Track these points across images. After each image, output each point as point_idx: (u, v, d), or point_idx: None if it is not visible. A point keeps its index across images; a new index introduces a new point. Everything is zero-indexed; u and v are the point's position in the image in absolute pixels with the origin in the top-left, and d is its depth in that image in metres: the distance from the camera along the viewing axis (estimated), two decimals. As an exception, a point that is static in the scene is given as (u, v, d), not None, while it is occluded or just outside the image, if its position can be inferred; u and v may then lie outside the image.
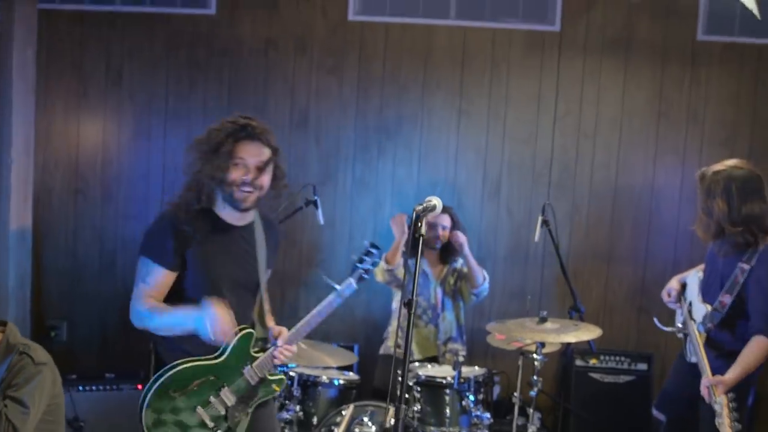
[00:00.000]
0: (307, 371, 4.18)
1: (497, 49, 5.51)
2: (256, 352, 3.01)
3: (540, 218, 4.44)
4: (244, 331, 2.95)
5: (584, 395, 5.12)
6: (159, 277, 2.89)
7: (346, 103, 5.55)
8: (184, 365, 2.87)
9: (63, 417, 3.20)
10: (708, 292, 3.69)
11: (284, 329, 3.06)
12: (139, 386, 4.82)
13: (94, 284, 5.70)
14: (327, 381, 4.21)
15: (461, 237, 4.75)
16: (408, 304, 2.32)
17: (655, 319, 4.09)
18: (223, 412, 2.91)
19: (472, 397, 4.03)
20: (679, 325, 3.88)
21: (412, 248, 2.37)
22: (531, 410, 4.26)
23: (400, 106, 5.54)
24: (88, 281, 5.70)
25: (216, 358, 2.90)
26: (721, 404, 3.19)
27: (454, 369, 4.06)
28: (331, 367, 4.29)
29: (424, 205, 2.46)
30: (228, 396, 2.92)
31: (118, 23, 5.58)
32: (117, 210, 5.67)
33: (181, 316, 2.83)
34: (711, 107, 5.44)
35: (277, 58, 5.57)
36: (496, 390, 5.21)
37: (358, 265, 3.01)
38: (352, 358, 4.51)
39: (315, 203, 4.47)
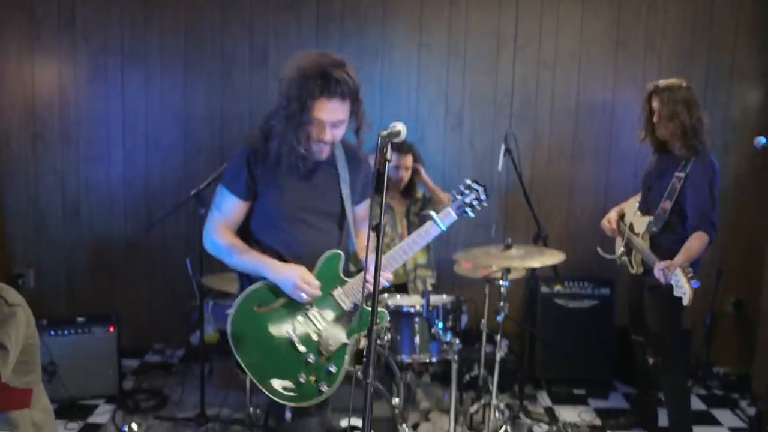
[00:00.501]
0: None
1: (456, -19, 5.50)
2: (348, 277, 2.94)
3: (503, 146, 4.47)
4: (329, 253, 2.89)
5: (550, 321, 5.25)
6: (231, 206, 2.89)
7: (306, 40, 5.49)
8: (269, 282, 2.84)
9: (38, 357, 3.22)
10: (648, 206, 4.15)
11: None
12: (111, 328, 4.83)
13: (58, 229, 5.68)
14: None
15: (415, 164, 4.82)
16: (376, 228, 2.36)
17: (599, 248, 4.56)
18: (315, 337, 2.85)
19: (441, 324, 4.10)
20: (621, 249, 4.31)
21: (378, 177, 2.39)
22: (498, 337, 4.36)
23: (360, 41, 5.51)
24: (53, 227, 5.68)
25: None
26: (678, 273, 3.57)
27: (422, 297, 4.14)
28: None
29: (389, 130, 2.46)
30: (317, 317, 2.86)
31: (69, -37, 5.45)
32: (78, 153, 5.62)
33: (262, 266, 2.82)
34: (668, 36, 5.50)
35: (234, -5, 5.50)
36: (464, 319, 5.32)
37: (458, 197, 3.00)
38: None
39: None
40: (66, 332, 4.72)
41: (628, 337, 5.12)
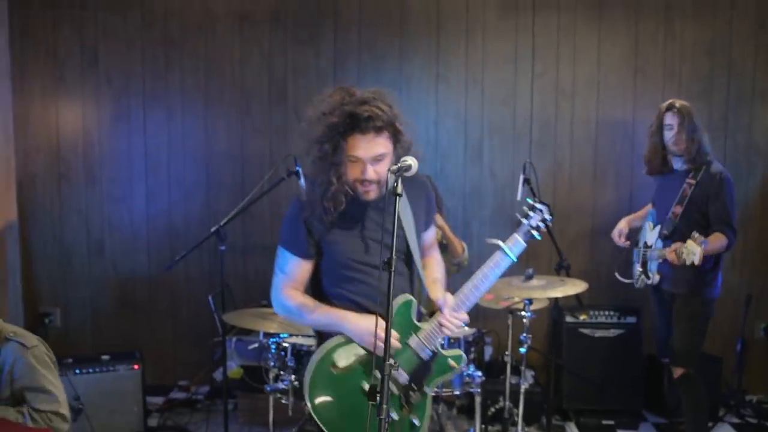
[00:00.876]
0: (300, 340, 4.18)
1: (472, 13, 5.50)
2: (422, 322, 2.77)
3: (521, 177, 4.46)
4: (401, 300, 2.72)
5: (576, 351, 5.17)
6: (295, 267, 2.78)
7: (323, 74, 5.53)
8: (342, 339, 2.71)
9: None
10: (661, 218, 4.32)
11: (449, 295, 2.78)
12: (136, 366, 4.84)
13: (83, 268, 5.72)
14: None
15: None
16: (387, 262, 2.31)
17: (617, 273, 4.64)
18: (395, 391, 2.67)
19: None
20: (639, 269, 4.41)
21: (387, 205, 2.35)
22: (523, 368, 4.31)
23: (378, 74, 5.53)
24: (78, 265, 5.73)
25: None
26: (687, 243, 3.78)
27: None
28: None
29: (399, 165, 2.43)
30: (396, 371, 2.64)
31: (91, 4, 5.55)
32: (102, 193, 5.68)
33: (337, 319, 2.69)
34: (686, 60, 5.46)
35: (252, 33, 5.55)
36: (488, 351, 5.26)
37: (524, 220, 2.79)
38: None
39: (297, 173, 4.47)
40: (91, 370, 4.73)
41: (656, 366, 5.06)
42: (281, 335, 4.06)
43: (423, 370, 2.74)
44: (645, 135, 5.43)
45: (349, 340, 2.70)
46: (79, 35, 5.58)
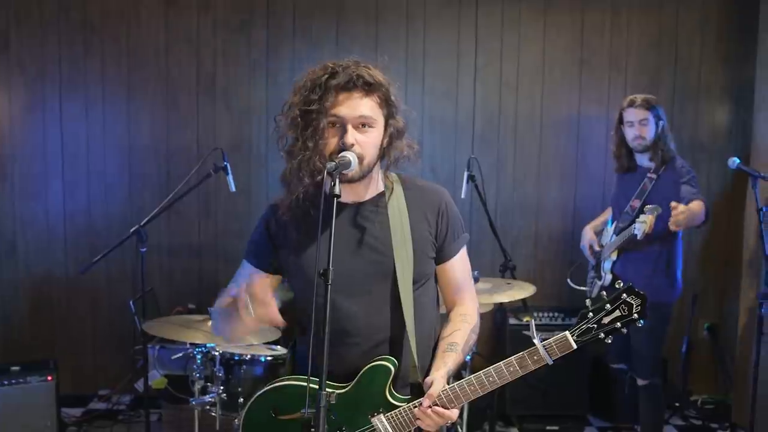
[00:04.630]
0: (230, 349, 3.88)
1: (412, 1, 5.26)
2: (399, 398, 2.19)
3: (466, 173, 4.24)
4: (377, 361, 2.17)
5: (519, 354, 4.99)
6: (245, 277, 2.26)
7: (256, 62, 5.24)
8: (295, 383, 2.21)
9: None
10: (619, 215, 4.20)
11: (438, 380, 2.12)
12: (49, 377, 4.47)
13: (-7, 271, 5.30)
14: (249, 358, 3.94)
15: None
16: (324, 273, 1.96)
17: (569, 280, 4.59)
18: None
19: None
20: (592, 275, 4.35)
21: (325, 210, 1.99)
22: (466, 374, 4.10)
23: (313, 63, 5.16)
24: (-13, 268, 5.29)
25: (343, 388, 2.18)
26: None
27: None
28: (253, 344, 4.01)
29: (337, 161, 2.05)
30: None
31: (1, -17, 5.13)
32: (13, 189, 5.26)
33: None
34: (632, 53, 5.32)
35: (179, 18, 5.21)
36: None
37: (591, 315, 2.17)
38: (275, 333, 4.24)
39: (225, 169, 4.15)
40: (-2, 383, 4.35)
41: (602, 369, 4.93)
42: (208, 345, 3.75)
43: None
44: (590, 130, 5.32)
45: (298, 386, 2.21)
46: (-12, 18, 5.16)
